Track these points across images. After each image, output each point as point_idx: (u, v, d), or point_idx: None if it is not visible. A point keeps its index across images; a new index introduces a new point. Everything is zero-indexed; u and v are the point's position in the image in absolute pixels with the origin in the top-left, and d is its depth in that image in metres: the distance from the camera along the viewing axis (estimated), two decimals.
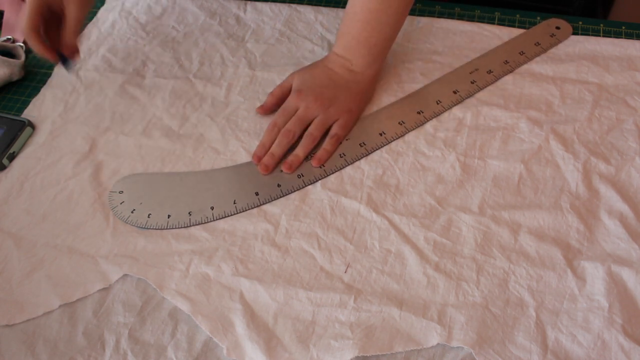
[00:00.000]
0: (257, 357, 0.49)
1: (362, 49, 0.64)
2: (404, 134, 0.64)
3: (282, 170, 0.62)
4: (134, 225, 0.59)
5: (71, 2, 0.62)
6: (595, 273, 0.52)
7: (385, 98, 0.67)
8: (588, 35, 0.71)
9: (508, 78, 0.68)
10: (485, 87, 0.67)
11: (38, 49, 0.63)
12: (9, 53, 0.75)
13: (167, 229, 0.58)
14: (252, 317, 0.52)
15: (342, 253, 0.55)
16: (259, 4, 0.79)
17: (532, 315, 0.50)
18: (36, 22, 0.62)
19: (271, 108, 0.67)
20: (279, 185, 0.60)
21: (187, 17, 0.79)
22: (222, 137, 0.66)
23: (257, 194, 0.60)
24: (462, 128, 0.64)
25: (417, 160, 0.61)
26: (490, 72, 0.68)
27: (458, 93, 0.66)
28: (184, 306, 0.53)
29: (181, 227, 0.58)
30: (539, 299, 0.51)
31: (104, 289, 0.55)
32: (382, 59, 0.66)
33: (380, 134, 0.64)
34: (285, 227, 0.58)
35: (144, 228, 0.58)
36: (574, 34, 0.71)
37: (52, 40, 0.65)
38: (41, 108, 0.70)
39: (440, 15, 0.75)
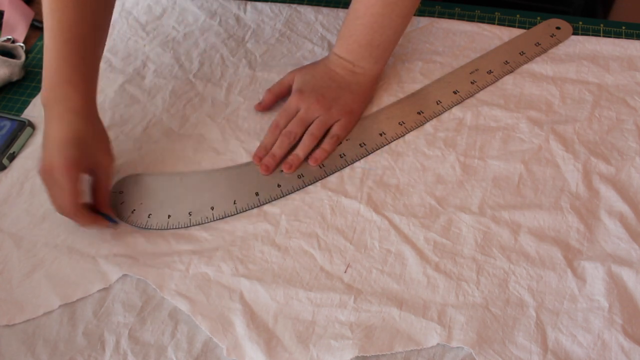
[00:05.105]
0: (257, 357, 0.49)
1: (365, 52, 0.64)
2: (404, 134, 0.64)
3: (282, 171, 0.61)
4: (134, 226, 0.59)
5: (102, 172, 0.58)
6: (595, 273, 0.52)
7: (386, 98, 0.67)
8: (588, 35, 0.71)
9: (508, 78, 0.68)
10: (486, 87, 0.67)
11: (88, 223, 0.57)
12: (9, 53, 0.75)
13: (167, 229, 0.58)
14: (252, 317, 0.52)
15: (342, 253, 0.55)
16: (259, 4, 0.79)
17: (532, 315, 0.50)
18: (79, 199, 0.56)
19: (269, 105, 0.67)
20: (279, 186, 0.60)
21: (187, 17, 0.79)
22: (222, 137, 0.66)
23: (257, 194, 0.60)
24: (462, 128, 0.64)
25: (417, 160, 0.61)
26: (490, 72, 0.68)
27: (458, 93, 0.66)
28: (184, 306, 0.53)
29: (181, 227, 0.58)
30: (539, 299, 0.51)
31: (104, 289, 0.55)
32: (385, 61, 0.66)
33: (381, 134, 0.64)
34: (285, 227, 0.58)
35: (144, 228, 0.58)
36: (574, 34, 0.71)
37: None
38: (41, 108, 0.70)
39: (440, 15, 0.75)
